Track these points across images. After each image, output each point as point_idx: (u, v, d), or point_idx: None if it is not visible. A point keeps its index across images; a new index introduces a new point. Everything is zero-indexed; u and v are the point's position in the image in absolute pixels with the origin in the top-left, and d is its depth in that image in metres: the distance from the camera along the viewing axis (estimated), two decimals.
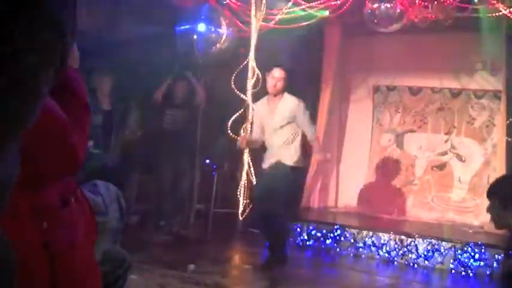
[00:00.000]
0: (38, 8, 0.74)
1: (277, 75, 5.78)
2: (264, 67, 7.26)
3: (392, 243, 6.81)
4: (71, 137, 1.65)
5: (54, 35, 0.77)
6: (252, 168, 7.21)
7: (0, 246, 0.85)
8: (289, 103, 5.95)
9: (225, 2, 7.18)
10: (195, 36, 6.95)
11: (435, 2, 6.73)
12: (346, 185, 8.76)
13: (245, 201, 7.43)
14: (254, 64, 7.14)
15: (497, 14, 6.75)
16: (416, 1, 6.75)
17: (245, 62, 7.22)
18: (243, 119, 7.22)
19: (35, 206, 1.60)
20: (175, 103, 7.56)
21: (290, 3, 7.12)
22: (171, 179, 7.49)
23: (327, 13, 7.41)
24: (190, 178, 7.93)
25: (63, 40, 0.79)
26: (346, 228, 7.11)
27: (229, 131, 7.03)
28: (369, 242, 6.91)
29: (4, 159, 0.75)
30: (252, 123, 7.15)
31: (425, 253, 6.63)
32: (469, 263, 6.40)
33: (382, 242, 6.85)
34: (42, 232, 1.62)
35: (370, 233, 6.95)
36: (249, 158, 7.14)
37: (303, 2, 7.09)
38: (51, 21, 0.76)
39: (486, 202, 7.99)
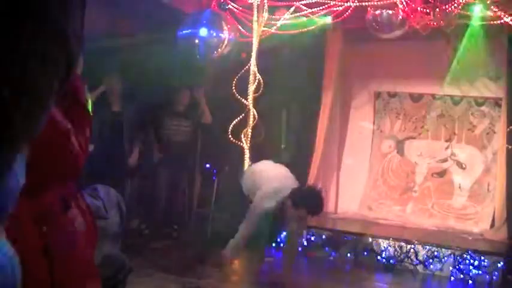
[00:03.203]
0: (43, 18, 0.74)
1: None
2: (266, 72, 7.28)
3: (391, 249, 6.80)
4: (72, 144, 1.66)
5: (60, 45, 0.77)
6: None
7: (2, 251, 0.86)
8: None
9: (227, 7, 7.21)
10: (196, 41, 6.96)
11: (437, 9, 6.75)
12: (346, 191, 8.76)
13: None
14: (255, 69, 7.17)
15: (498, 21, 6.77)
16: (418, 8, 6.77)
17: (246, 67, 7.25)
18: (244, 123, 7.26)
19: (35, 210, 1.61)
20: (177, 112, 7.54)
21: (292, 9, 7.15)
22: (167, 188, 7.49)
23: (329, 19, 7.44)
24: (189, 183, 7.94)
25: (69, 51, 0.79)
26: (346, 234, 7.11)
27: (230, 136, 7.06)
28: (369, 248, 6.91)
29: (12, 170, 0.76)
30: (252, 128, 7.17)
31: (424, 260, 6.63)
32: (469, 270, 6.39)
33: (381, 248, 6.85)
34: (42, 236, 1.63)
35: (370, 239, 6.95)
36: (250, 162, 7.16)
37: (305, 8, 7.11)
38: (58, 32, 0.76)
39: (486, 209, 7.99)
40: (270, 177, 5.64)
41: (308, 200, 5.32)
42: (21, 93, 0.72)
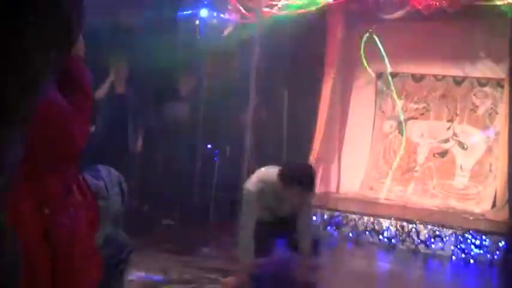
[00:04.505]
0: None
1: None
2: (267, 53, 7.24)
3: (393, 229, 6.83)
4: (71, 126, 1.67)
5: (59, 20, 0.77)
6: (254, 154, 7.24)
7: (5, 237, 0.87)
8: None
9: None
10: (197, 22, 6.93)
11: None
12: (347, 171, 8.77)
13: None
14: (257, 50, 7.14)
15: (502, 2, 6.72)
16: None
17: (248, 49, 7.22)
18: (245, 105, 7.24)
19: (37, 193, 1.62)
20: (179, 97, 7.58)
21: None
22: (166, 168, 7.54)
23: None
24: (190, 164, 7.96)
25: (68, 25, 0.79)
26: (348, 214, 7.14)
27: (231, 117, 7.05)
28: (370, 228, 6.94)
29: (12, 141, 0.76)
30: (254, 110, 7.14)
31: (426, 239, 6.66)
32: (470, 250, 6.43)
33: (383, 228, 6.88)
34: (43, 219, 1.64)
35: (371, 219, 6.97)
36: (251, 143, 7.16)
37: None
38: (56, 6, 0.76)
39: (488, 189, 7.97)
40: None
41: (299, 174, 4.86)
42: (18, 65, 0.73)
